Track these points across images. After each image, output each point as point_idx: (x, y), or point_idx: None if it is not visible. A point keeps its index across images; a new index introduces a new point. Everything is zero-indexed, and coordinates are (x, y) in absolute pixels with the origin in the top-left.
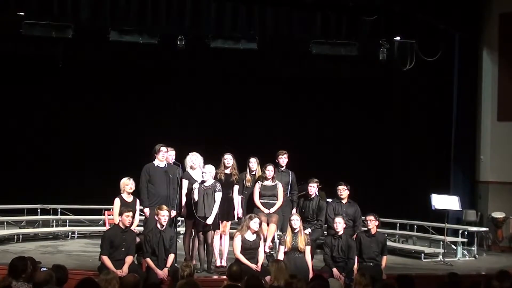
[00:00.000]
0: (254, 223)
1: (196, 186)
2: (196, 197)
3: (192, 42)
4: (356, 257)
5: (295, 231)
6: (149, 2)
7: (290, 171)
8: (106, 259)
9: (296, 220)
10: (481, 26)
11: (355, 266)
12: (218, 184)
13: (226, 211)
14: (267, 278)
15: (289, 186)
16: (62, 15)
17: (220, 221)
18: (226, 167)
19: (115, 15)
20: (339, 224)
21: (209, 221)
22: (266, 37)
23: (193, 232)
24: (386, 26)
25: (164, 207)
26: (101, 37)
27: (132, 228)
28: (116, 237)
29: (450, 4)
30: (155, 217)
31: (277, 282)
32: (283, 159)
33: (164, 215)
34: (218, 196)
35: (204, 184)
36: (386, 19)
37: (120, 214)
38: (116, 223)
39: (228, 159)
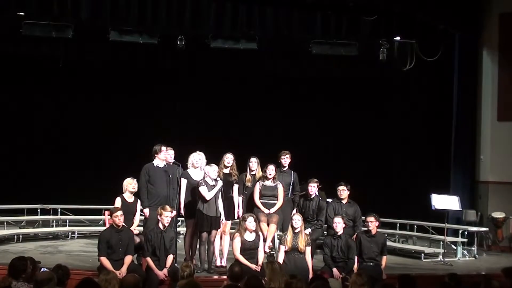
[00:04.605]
0: (249, 223)
1: (220, 184)
2: (209, 197)
3: (192, 42)
4: (356, 257)
5: (296, 231)
6: (149, 2)
7: (292, 172)
8: (104, 260)
9: (297, 220)
10: (481, 26)
11: (355, 266)
12: (220, 183)
13: (226, 211)
14: None
15: (291, 186)
16: (62, 15)
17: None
18: (226, 167)
19: (115, 15)
20: (339, 224)
21: (223, 219)
22: (266, 37)
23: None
24: (386, 26)
25: (168, 207)
26: (101, 37)
27: (132, 228)
28: (112, 238)
29: (450, 4)
30: (158, 217)
31: (273, 284)
32: (285, 160)
33: (167, 216)
34: (219, 194)
35: (212, 183)
36: (386, 19)
37: (110, 215)
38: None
39: (230, 159)
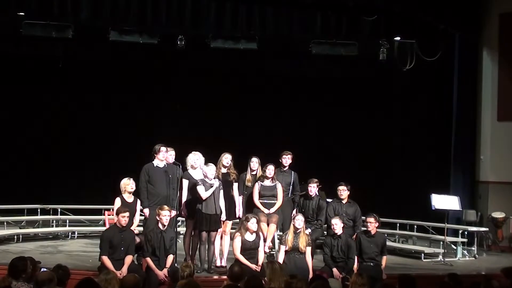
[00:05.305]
0: (251, 224)
1: (217, 184)
2: (206, 196)
3: (192, 42)
4: (356, 257)
5: (298, 231)
6: (149, 2)
7: (292, 172)
8: (106, 259)
9: (300, 221)
10: (481, 26)
11: (355, 266)
12: (220, 182)
13: (227, 210)
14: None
15: (291, 186)
16: (62, 15)
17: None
18: (224, 167)
19: (115, 15)
20: (336, 226)
21: (223, 217)
22: (266, 37)
23: (193, 232)
24: (386, 26)
25: (166, 207)
26: (101, 37)
27: (132, 228)
28: (115, 237)
29: (450, 4)
30: (157, 217)
31: (273, 284)
32: (286, 160)
33: (165, 215)
34: (221, 194)
35: (210, 182)
36: (386, 19)
37: (117, 214)
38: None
39: (228, 159)
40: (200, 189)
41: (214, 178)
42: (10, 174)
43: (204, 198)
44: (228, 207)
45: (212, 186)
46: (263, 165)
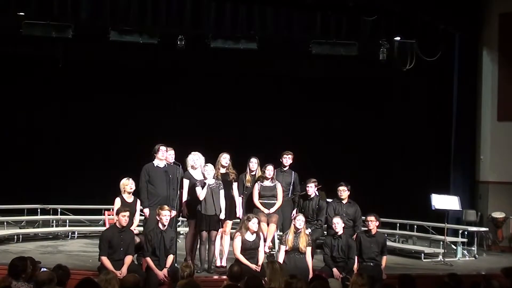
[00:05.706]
0: (252, 224)
1: (210, 181)
2: (202, 196)
3: (192, 42)
4: (356, 257)
5: (298, 231)
6: (149, 2)
7: (293, 172)
8: (105, 259)
9: (301, 221)
10: (481, 26)
11: (355, 266)
12: (220, 182)
13: (228, 210)
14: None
15: (291, 186)
16: (62, 15)
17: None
18: (223, 166)
19: (115, 15)
20: (338, 225)
21: (222, 216)
22: (266, 37)
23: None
24: (386, 26)
25: (166, 207)
26: (101, 37)
27: (132, 228)
28: (114, 237)
29: (450, 4)
30: (157, 217)
31: (273, 284)
32: (287, 159)
33: (165, 215)
34: (222, 193)
35: (207, 182)
36: (386, 19)
37: (117, 213)
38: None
39: (227, 158)
40: (198, 190)
41: (213, 178)
42: (10, 174)
43: (201, 199)
44: (229, 207)
45: (209, 186)
46: (262, 165)
